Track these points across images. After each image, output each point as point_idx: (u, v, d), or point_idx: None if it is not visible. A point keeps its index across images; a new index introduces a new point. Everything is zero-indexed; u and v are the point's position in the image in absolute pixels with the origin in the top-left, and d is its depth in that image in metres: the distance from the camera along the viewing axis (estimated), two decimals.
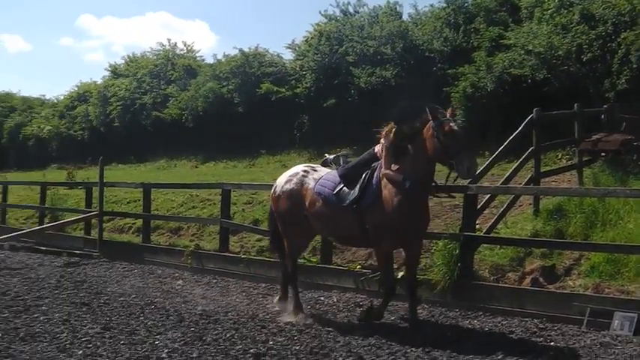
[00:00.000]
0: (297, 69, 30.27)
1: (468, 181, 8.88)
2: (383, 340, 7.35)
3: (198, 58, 40.62)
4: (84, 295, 10.14)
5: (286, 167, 23.90)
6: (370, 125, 8.93)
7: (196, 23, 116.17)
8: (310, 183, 8.65)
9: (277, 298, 9.38)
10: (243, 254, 12.27)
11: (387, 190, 7.90)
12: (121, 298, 9.85)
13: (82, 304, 9.45)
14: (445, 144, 7.37)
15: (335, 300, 9.67)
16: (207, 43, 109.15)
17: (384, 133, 8.13)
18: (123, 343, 7.32)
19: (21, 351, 7.02)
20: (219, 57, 35.94)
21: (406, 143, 7.80)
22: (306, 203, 8.60)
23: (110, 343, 7.36)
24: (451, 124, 7.47)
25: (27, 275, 12.12)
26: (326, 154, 9.87)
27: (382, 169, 8.01)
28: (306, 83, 28.60)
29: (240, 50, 33.42)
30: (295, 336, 7.64)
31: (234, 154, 29.70)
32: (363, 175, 8.19)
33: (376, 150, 8.39)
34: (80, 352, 7.00)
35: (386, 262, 8.34)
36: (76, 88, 46.58)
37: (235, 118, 30.80)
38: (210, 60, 38.04)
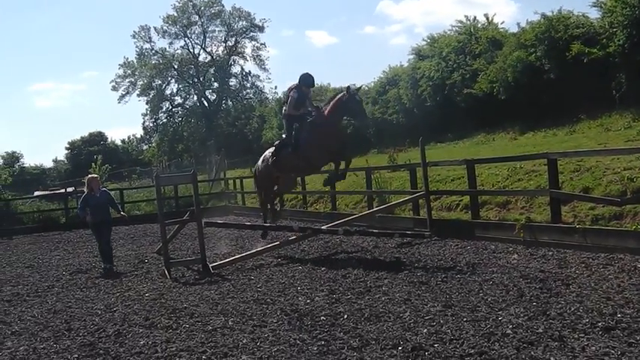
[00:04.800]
0: (607, 27, 28.45)
1: None
2: None
3: (501, 29, 39.89)
4: (421, 274, 10.27)
5: (609, 130, 22.79)
6: None
7: None
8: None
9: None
10: (578, 224, 11.72)
11: None
12: (458, 276, 9.84)
13: (421, 282, 9.56)
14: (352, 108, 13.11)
15: None
16: (508, 11, 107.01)
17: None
18: (466, 320, 7.27)
19: (368, 330, 7.21)
20: (523, 24, 35.01)
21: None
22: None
23: (453, 320, 7.34)
24: (356, 96, 13.19)
25: (363, 257, 12.61)
26: None
27: None
28: (618, 40, 26.85)
29: (543, 15, 32.24)
30: None
31: (551, 122, 28.73)
32: None
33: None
34: (425, 330, 7.04)
35: None
36: (385, 73, 48.05)
37: (548, 85, 29.88)
38: (513, 29, 37.20)
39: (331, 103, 13.22)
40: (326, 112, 13.21)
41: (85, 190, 14.69)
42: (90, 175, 15.61)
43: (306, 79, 13.71)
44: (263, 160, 15.06)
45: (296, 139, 13.51)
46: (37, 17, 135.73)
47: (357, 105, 13.10)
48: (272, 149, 14.66)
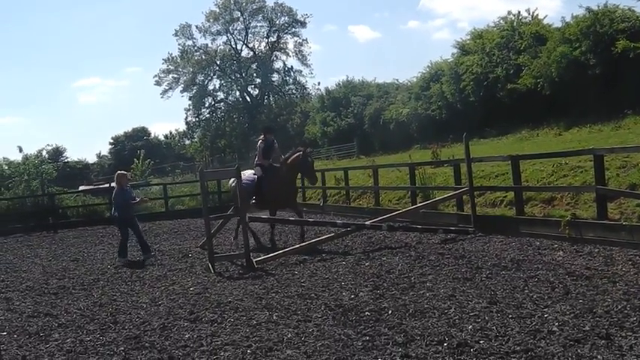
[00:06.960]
0: None
1: None
2: None
3: (545, 24, 39.43)
4: (465, 270, 10.21)
5: None
6: None
7: None
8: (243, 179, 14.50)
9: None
10: (624, 221, 11.48)
11: None
12: (503, 272, 9.75)
13: (465, 279, 9.51)
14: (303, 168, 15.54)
15: None
16: (552, 5, 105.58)
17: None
18: (511, 317, 7.23)
19: (412, 326, 7.19)
20: (567, 19, 34.58)
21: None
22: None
23: (498, 317, 7.29)
24: (308, 158, 15.44)
25: (407, 253, 12.51)
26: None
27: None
28: None
29: (588, 9, 31.80)
30: None
31: (597, 117, 28.31)
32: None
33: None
34: (470, 326, 7.00)
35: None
36: (428, 69, 47.81)
37: (592, 81, 29.49)
38: (557, 24, 36.76)
39: (289, 160, 15.57)
40: (284, 169, 15.60)
41: (115, 186, 14.85)
42: (119, 172, 15.63)
43: (266, 128, 17.48)
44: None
45: (260, 186, 15.55)
46: (81, 14, 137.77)
47: (308, 166, 15.49)
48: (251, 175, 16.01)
